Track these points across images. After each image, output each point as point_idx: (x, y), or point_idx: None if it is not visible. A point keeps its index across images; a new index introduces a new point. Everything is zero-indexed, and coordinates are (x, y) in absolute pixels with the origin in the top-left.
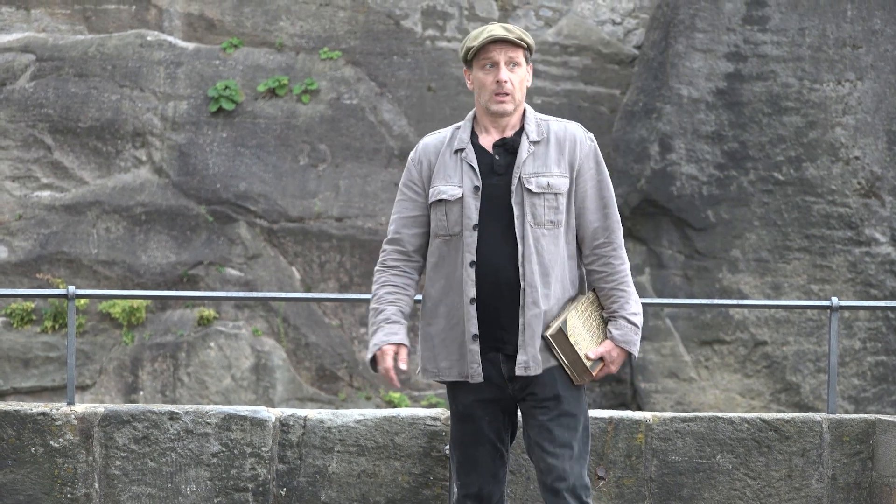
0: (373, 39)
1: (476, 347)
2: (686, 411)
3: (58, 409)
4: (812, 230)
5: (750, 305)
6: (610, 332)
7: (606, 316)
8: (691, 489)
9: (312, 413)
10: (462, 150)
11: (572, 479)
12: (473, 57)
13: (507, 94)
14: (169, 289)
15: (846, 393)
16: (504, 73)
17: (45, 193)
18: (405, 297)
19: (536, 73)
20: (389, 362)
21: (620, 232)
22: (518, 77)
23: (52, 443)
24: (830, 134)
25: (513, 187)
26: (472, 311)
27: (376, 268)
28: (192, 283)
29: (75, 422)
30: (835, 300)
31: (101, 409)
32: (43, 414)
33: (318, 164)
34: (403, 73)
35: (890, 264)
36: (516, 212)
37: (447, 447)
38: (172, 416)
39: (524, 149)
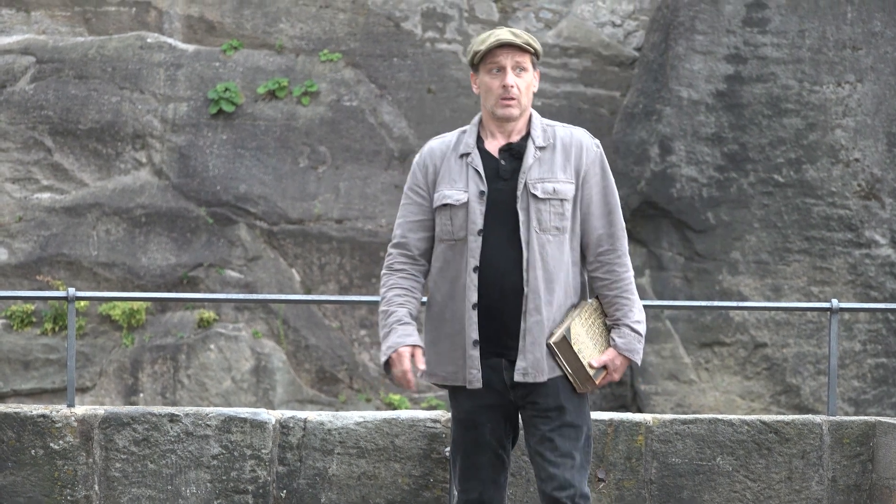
0: (373, 41)
1: (476, 353)
2: (686, 413)
3: (58, 412)
4: (812, 232)
5: (750, 307)
6: (613, 340)
7: (609, 323)
8: (691, 491)
9: (312, 415)
10: (468, 154)
11: (573, 489)
12: (480, 61)
13: (512, 99)
14: (169, 291)
15: (846, 395)
16: (510, 78)
17: (46, 195)
18: (413, 300)
19: None
20: (407, 364)
21: (625, 239)
22: (524, 82)
23: (52, 445)
24: (830, 136)
25: (518, 193)
26: (474, 316)
27: (383, 271)
28: (192, 285)
29: (75, 424)
30: (835, 302)
31: (101, 411)
32: (43, 416)
33: (318, 166)
34: (403, 75)
35: (890, 266)
36: (521, 217)
37: (447, 449)
38: (172, 419)
39: (530, 154)
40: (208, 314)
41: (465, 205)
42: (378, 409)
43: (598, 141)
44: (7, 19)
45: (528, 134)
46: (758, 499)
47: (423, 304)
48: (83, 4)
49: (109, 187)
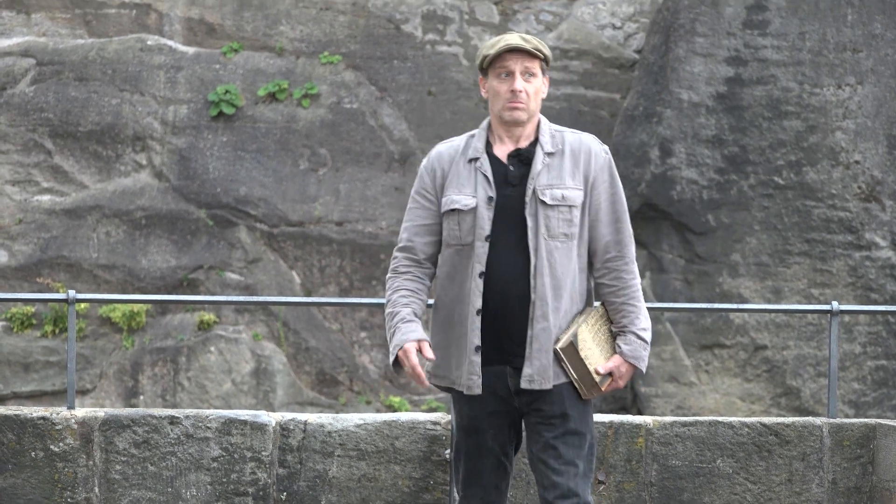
0: (373, 44)
1: (477, 359)
2: (686, 415)
3: (58, 414)
4: (812, 234)
5: (750, 309)
6: (619, 347)
7: (615, 330)
8: (692, 493)
9: (313, 417)
10: (476, 159)
11: (575, 498)
12: (489, 65)
13: (520, 103)
14: (169, 293)
15: (846, 397)
16: (519, 83)
17: (46, 198)
18: (418, 301)
19: None
20: (414, 360)
21: (633, 246)
22: (533, 87)
23: (52, 447)
24: (831, 138)
25: (527, 199)
26: (477, 322)
27: (388, 275)
28: (192, 288)
29: (75, 426)
30: (835, 304)
31: (101, 413)
32: (43, 418)
33: (319, 168)
34: (404, 77)
35: (890, 268)
36: (530, 224)
37: (447, 451)
38: (173, 421)
39: (539, 160)
40: (208, 316)
41: (474, 210)
42: (378, 411)
43: (606, 147)
44: (7, 21)
45: (536, 139)
46: (758, 501)
47: (429, 307)
48: (83, 7)
49: (110, 189)
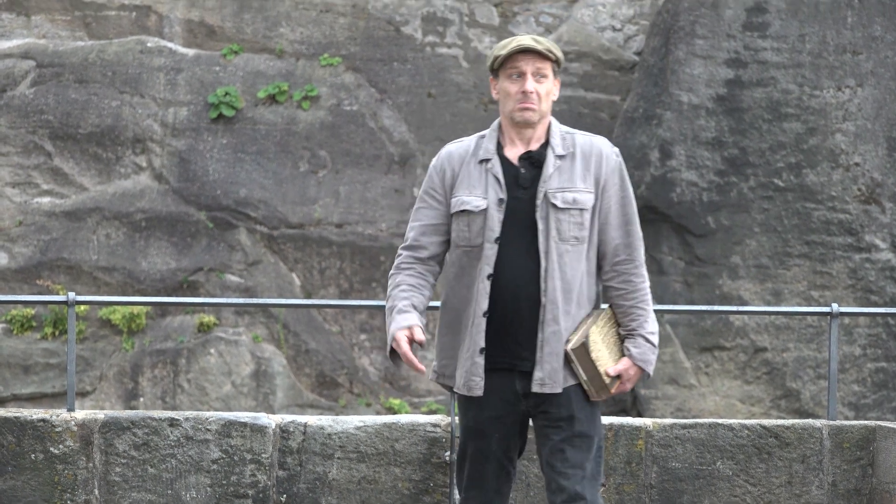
0: (373, 46)
1: (481, 361)
2: (686, 418)
3: (58, 416)
4: (812, 236)
5: (750, 312)
6: (628, 350)
7: (623, 333)
8: (691, 496)
9: (312, 419)
10: (488, 160)
11: (582, 501)
12: (500, 66)
13: (532, 105)
14: (169, 295)
15: (846, 399)
16: (530, 84)
17: (46, 200)
18: (418, 295)
19: None
20: (405, 346)
21: (642, 249)
22: (544, 89)
23: (52, 449)
24: (830, 140)
25: (538, 202)
26: (483, 324)
27: (391, 272)
28: (192, 290)
29: (75, 428)
30: (835, 306)
31: (101, 415)
32: (43, 420)
33: (319, 170)
34: (403, 79)
35: (890, 271)
36: (541, 227)
37: (447, 453)
38: (172, 423)
39: (550, 163)
40: (208, 318)
41: (484, 212)
42: (378, 413)
43: (617, 150)
44: (7, 23)
45: (547, 142)
46: (758, 503)
47: (434, 309)
48: (83, 9)
49: (109, 192)
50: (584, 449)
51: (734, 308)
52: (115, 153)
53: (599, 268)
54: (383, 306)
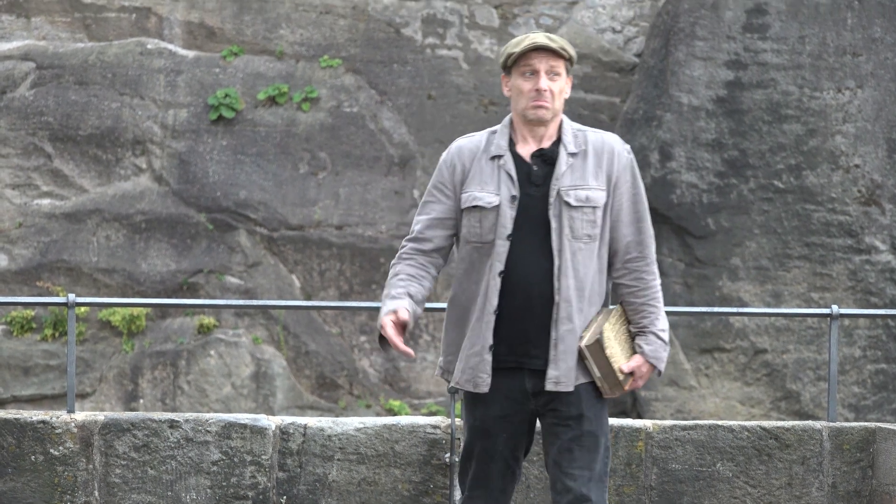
0: (373, 47)
1: (489, 358)
2: (686, 419)
3: (58, 418)
4: (812, 238)
5: (750, 313)
6: (640, 347)
7: (634, 331)
8: (691, 497)
9: (312, 421)
10: (500, 156)
11: (588, 503)
12: (513, 64)
13: (545, 102)
14: (169, 297)
15: (846, 401)
16: (544, 82)
17: (46, 201)
18: (416, 285)
19: None
20: (390, 331)
21: (653, 246)
22: (558, 87)
23: (52, 451)
24: (830, 142)
25: (550, 199)
26: (492, 321)
27: (392, 262)
28: (192, 292)
29: (75, 430)
30: (835, 308)
31: (101, 417)
32: (43, 422)
33: (319, 172)
34: (403, 81)
35: (890, 272)
36: (553, 225)
37: (448, 455)
38: (172, 424)
39: (562, 161)
40: (208, 320)
41: (496, 208)
42: (378, 415)
43: (629, 147)
44: (7, 25)
45: (559, 139)
46: None
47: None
48: (83, 10)
49: (109, 193)
50: (592, 449)
51: (734, 310)
52: (115, 155)
53: (609, 265)
54: None
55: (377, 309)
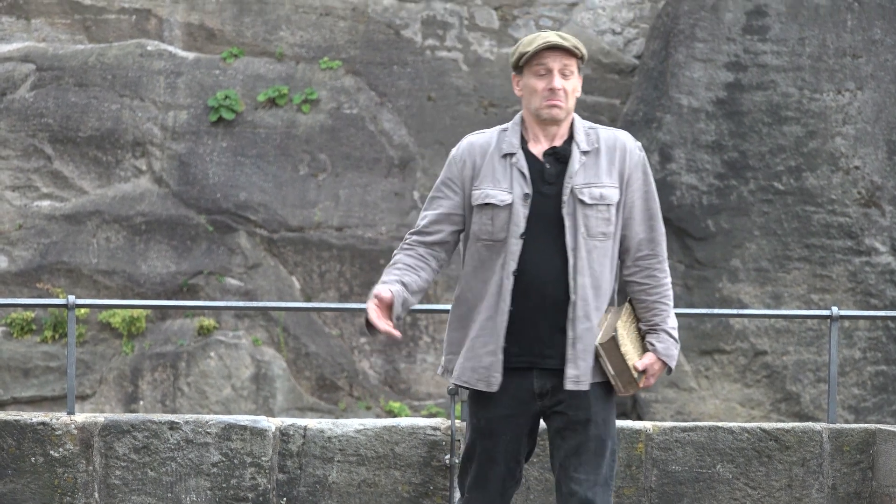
0: (373, 49)
1: (501, 357)
2: (686, 421)
3: (58, 419)
4: (812, 240)
5: (750, 315)
6: (652, 345)
7: (645, 329)
8: (691, 499)
9: (312, 423)
10: (512, 154)
11: None
12: (526, 63)
13: (559, 101)
14: (169, 298)
15: (846, 402)
16: (557, 81)
17: (45, 203)
18: (412, 274)
19: None
20: (372, 315)
21: (665, 244)
22: (571, 85)
23: (52, 452)
24: (830, 143)
25: (564, 198)
26: (506, 320)
27: (394, 252)
28: (192, 293)
29: (75, 431)
30: (835, 310)
31: (101, 418)
32: (43, 424)
33: (319, 173)
34: (403, 82)
35: (890, 274)
36: (567, 223)
37: (448, 456)
38: (172, 426)
39: (575, 159)
40: (208, 322)
41: (509, 206)
42: (378, 416)
43: (640, 144)
44: (7, 27)
45: (571, 137)
46: None
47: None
48: (83, 12)
49: (109, 195)
50: (599, 453)
51: (734, 311)
52: (114, 156)
53: (620, 262)
54: None
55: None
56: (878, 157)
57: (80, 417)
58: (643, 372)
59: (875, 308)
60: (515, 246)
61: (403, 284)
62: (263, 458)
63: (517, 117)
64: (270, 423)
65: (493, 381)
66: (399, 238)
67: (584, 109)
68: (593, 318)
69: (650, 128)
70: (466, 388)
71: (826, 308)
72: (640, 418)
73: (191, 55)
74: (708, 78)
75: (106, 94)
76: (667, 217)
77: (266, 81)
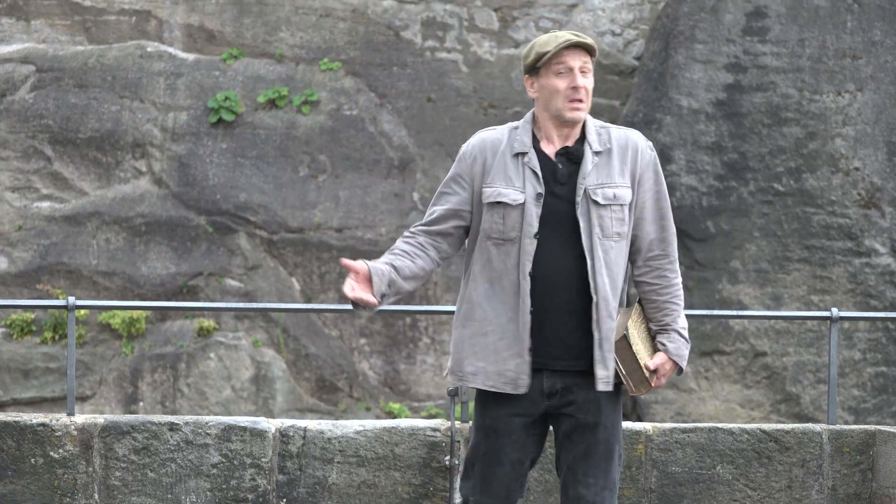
0: (373, 50)
1: (528, 359)
2: (686, 422)
3: (58, 420)
4: (812, 241)
5: (750, 316)
6: (663, 345)
7: (656, 328)
8: (691, 500)
9: (312, 424)
10: (524, 153)
11: None
12: (545, 63)
13: (581, 101)
14: (169, 300)
15: (846, 404)
16: (580, 79)
17: (45, 204)
18: (405, 259)
19: None
20: (346, 287)
21: (675, 244)
22: (590, 83)
23: (51, 454)
24: (830, 145)
25: (578, 199)
26: (528, 322)
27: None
28: (191, 294)
29: (75, 433)
30: (835, 311)
31: (100, 419)
32: (43, 425)
33: (318, 174)
34: (403, 83)
35: (890, 275)
36: (582, 224)
37: (447, 457)
38: (172, 427)
39: (588, 160)
40: (208, 323)
41: (521, 206)
42: (378, 417)
43: (651, 143)
44: (7, 28)
45: (583, 137)
46: None
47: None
48: (83, 13)
49: (109, 196)
50: (607, 458)
51: (734, 313)
52: (114, 158)
53: (632, 262)
54: (383, 310)
55: (377, 312)
56: (878, 159)
57: (80, 418)
58: (654, 371)
59: (875, 309)
60: (530, 246)
61: (394, 267)
62: (263, 460)
63: (528, 115)
64: (270, 425)
65: (521, 383)
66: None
67: None
68: (615, 318)
69: (650, 129)
70: (489, 391)
71: (826, 309)
72: (640, 419)
73: (191, 56)
74: (708, 79)
75: (106, 96)
76: None
77: (266, 83)
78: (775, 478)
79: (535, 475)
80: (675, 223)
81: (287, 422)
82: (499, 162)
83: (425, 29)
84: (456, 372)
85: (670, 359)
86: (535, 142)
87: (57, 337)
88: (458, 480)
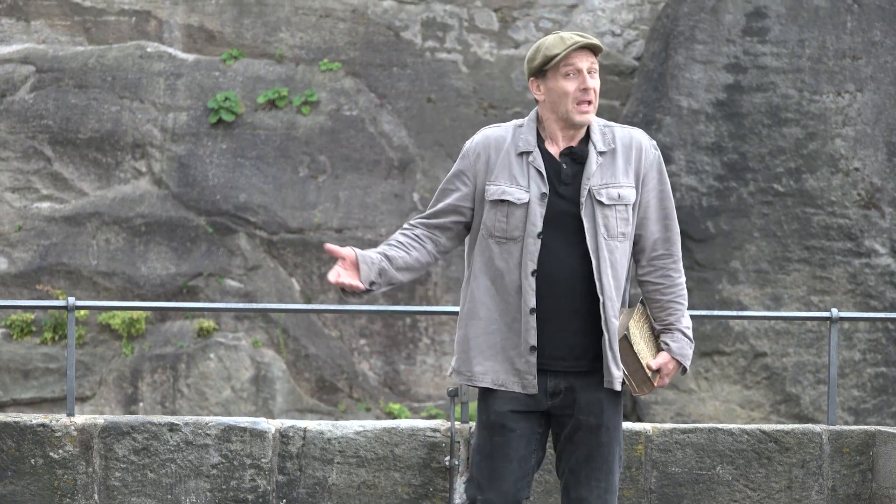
0: (373, 51)
1: (534, 359)
2: (686, 423)
3: (57, 421)
4: (812, 241)
5: (750, 316)
6: (666, 345)
7: (660, 328)
8: (691, 500)
9: (312, 424)
10: (529, 152)
11: None
12: (553, 65)
13: (590, 103)
14: (168, 300)
15: (846, 404)
16: (590, 81)
17: (45, 205)
18: (399, 250)
19: None
20: (332, 274)
21: (679, 244)
22: (598, 84)
23: (51, 454)
24: (830, 145)
25: (582, 199)
26: (532, 321)
27: None
28: (191, 295)
29: (75, 433)
30: (835, 311)
31: (100, 420)
32: (43, 425)
33: (318, 175)
34: (403, 84)
35: (890, 276)
36: (587, 224)
37: (447, 458)
38: (172, 428)
39: (593, 160)
40: (208, 323)
41: (526, 205)
42: (378, 418)
43: (654, 142)
44: (7, 28)
45: (587, 137)
46: None
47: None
48: (83, 14)
49: (109, 196)
50: (610, 460)
51: (734, 313)
52: (114, 158)
53: (635, 262)
54: (383, 311)
55: (377, 312)
56: (878, 159)
57: (80, 419)
58: (657, 371)
59: (875, 310)
60: (534, 246)
61: (386, 257)
62: (263, 460)
63: (532, 114)
64: (270, 425)
65: (528, 383)
66: None
67: None
68: (619, 318)
69: (650, 129)
70: (498, 389)
71: (826, 310)
72: (639, 420)
73: (190, 57)
74: (708, 80)
75: (106, 96)
76: None
77: (266, 83)
78: (775, 478)
79: (536, 475)
80: None
81: (287, 422)
82: (503, 160)
83: (425, 29)
84: (463, 371)
85: (673, 358)
86: (540, 141)
87: (57, 337)
88: (459, 481)
